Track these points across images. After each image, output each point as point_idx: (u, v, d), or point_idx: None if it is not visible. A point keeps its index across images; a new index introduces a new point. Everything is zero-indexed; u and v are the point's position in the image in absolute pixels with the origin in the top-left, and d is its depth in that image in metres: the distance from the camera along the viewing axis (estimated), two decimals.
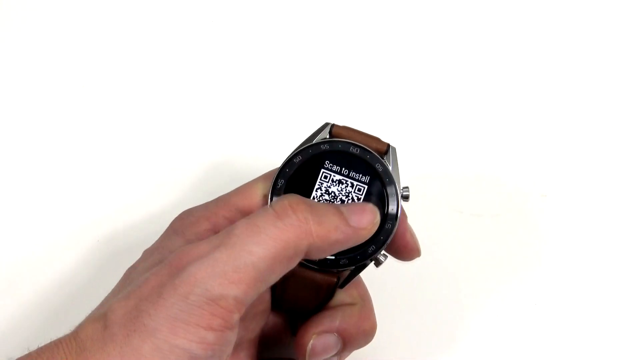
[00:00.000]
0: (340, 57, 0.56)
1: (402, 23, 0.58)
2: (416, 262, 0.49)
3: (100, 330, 0.32)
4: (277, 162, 0.38)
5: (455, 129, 0.54)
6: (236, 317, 0.33)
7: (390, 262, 0.39)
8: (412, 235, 0.39)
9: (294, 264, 0.34)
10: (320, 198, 0.38)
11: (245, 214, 0.38)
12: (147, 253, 0.38)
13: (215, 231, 0.37)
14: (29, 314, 0.49)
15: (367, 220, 0.35)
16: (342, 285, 0.39)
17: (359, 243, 0.36)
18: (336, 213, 0.35)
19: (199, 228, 0.37)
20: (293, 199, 0.34)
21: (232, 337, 0.33)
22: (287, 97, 0.55)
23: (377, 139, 0.39)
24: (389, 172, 0.38)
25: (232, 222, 0.37)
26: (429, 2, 0.58)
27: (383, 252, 0.38)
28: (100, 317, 0.33)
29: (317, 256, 0.35)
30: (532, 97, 0.55)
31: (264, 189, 0.39)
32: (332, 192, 0.38)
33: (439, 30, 0.58)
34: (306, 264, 0.37)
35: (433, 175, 0.53)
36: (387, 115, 0.55)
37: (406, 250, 0.39)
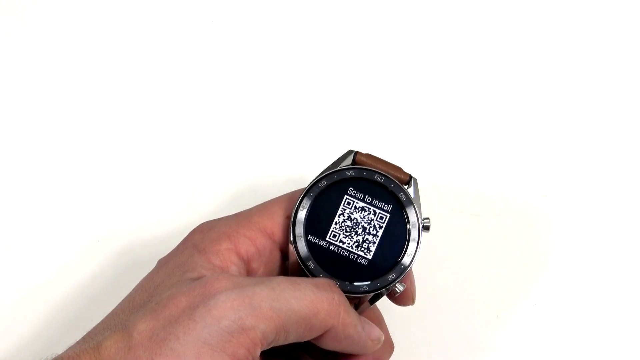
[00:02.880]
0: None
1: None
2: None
3: (124, 351, 0.32)
4: (300, 186, 0.38)
5: (455, 129, 0.54)
6: (259, 351, 0.33)
7: None
8: (412, 283, 0.40)
9: (308, 336, 0.35)
10: (343, 224, 0.37)
11: (267, 234, 0.38)
12: (162, 263, 0.38)
13: (236, 251, 0.37)
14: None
15: (375, 335, 0.38)
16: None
17: (359, 352, 0.38)
18: (358, 316, 0.37)
19: (220, 246, 0.37)
20: (331, 281, 0.36)
21: None
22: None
23: (400, 169, 0.39)
24: (412, 202, 0.38)
25: (253, 241, 0.37)
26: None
27: (401, 282, 0.38)
28: (125, 336, 0.33)
29: (327, 343, 0.36)
30: (532, 98, 0.55)
31: (286, 209, 0.38)
32: (354, 218, 0.38)
33: (437, 32, 0.57)
34: None
35: (433, 176, 0.53)
36: (387, 116, 0.55)
37: (402, 296, 0.39)
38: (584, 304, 0.50)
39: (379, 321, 0.41)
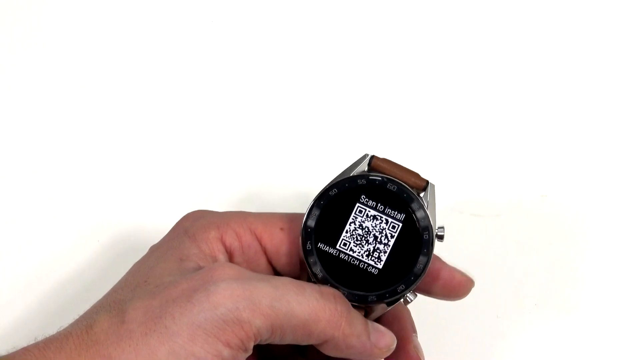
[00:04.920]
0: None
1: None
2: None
3: (117, 325, 0.32)
4: (313, 193, 0.37)
5: (455, 129, 0.54)
6: (252, 344, 0.33)
7: None
8: (451, 270, 0.39)
9: (306, 341, 0.35)
10: (354, 232, 0.37)
11: (255, 236, 0.38)
12: (154, 248, 0.38)
13: (222, 241, 0.37)
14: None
15: (385, 343, 0.36)
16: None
17: (365, 359, 0.37)
18: (364, 323, 0.36)
19: (209, 234, 0.37)
20: (337, 291, 0.36)
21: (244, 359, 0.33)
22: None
23: (417, 175, 0.38)
24: (425, 211, 0.37)
25: (239, 237, 0.37)
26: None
27: (412, 291, 0.37)
28: (118, 312, 0.32)
29: (328, 351, 0.35)
30: (532, 98, 0.55)
31: (284, 223, 0.38)
32: (365, 227, 0.37)
33: (432, 36, 0.57)
34: None
35: (433, 176, 0.52)
36: (385, 118, 0.54)
37: (457, 288, 0.39)
38: (585, 304, 0.50)
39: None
